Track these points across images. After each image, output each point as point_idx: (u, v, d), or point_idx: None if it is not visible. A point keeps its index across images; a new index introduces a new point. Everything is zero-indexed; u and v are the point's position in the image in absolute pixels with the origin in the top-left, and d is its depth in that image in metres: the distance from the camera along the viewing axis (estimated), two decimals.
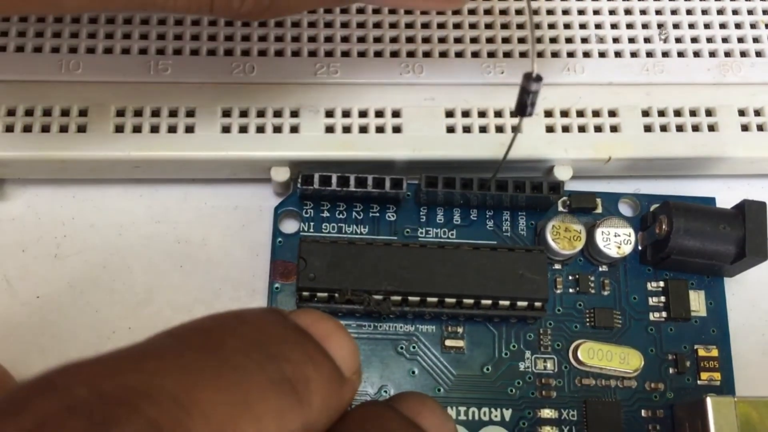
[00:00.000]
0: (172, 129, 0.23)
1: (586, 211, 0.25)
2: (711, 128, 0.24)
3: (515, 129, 0.21)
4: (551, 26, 0.25)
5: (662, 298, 0.24)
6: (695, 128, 0.24)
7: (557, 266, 0.24)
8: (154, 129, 0.23)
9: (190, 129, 0.23)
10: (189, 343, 0.12)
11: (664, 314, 0.24)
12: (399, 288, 0.22)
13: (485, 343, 0.23)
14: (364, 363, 0.23)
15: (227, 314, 0.13)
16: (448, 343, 0.23)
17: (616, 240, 0.23)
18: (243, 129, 0.23)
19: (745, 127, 0.24)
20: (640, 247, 0.24)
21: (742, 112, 0.25)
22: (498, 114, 0.24)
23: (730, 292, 0.24)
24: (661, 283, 0.24)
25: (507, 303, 0.22)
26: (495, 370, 0.23)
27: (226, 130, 0.23)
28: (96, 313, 0.24)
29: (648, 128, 0.24)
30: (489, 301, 0.22)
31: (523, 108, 0.20)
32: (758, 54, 0.25)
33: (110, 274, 0.24)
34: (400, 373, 0.23)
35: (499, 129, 0.24)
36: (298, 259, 0.22)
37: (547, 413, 0.23)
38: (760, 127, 0.25)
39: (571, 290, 0.24)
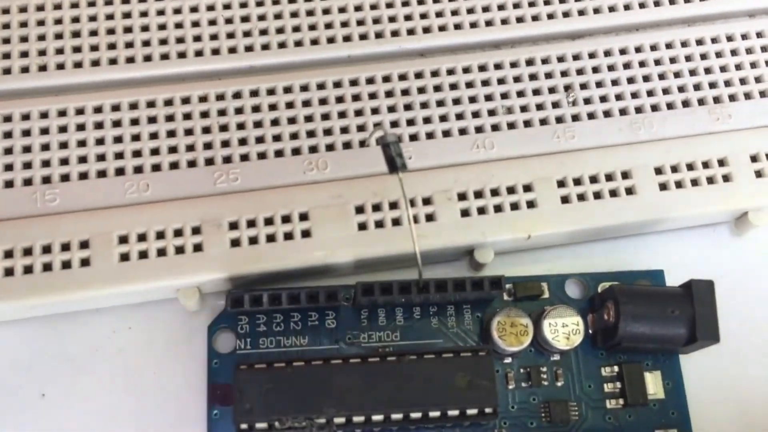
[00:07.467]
0: (66, 265, 0.22)
1: (532, 298, 0.24)
2: (629, 191, 0.24)
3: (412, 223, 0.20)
4: (456, 102, 0.24)
5: (618, 384, 0.23)
6: (613, 193, 0.24)
7: (508, 360, 0.23)
8: (47, 267, 0.22)
9: (85, 262, 0.22)
10: None
11: (621, 401, 0.23)
12: (341, 409, 0.20)
13: None
14: None
15: None
16: None
17: (565, 330, 0.22)
18: (143, 255, 0.22)
19: (663, 186, 0.24)
20: (591, 330, 0.23)
21: (658, 170, 0.24)
22: (412, 203, 0.23)
23: (687, 367, 0.23)
24: (616, 368, 0.23)
25: (456, 413, 0.21)
26: None
27: (124, 258, 0.22)
28: None
29: (565, 199, 0.24)
30: (438, 413, 0.21)
31: (393, 163, 0.20)
32: (669, 106, 0.25)
33: None
34: None
35: (414, 219, 0.23)
36: (235, 392, 0.20)
37: None
38: (678, 184, 0.24)
39: (523, 384, 0.23)
